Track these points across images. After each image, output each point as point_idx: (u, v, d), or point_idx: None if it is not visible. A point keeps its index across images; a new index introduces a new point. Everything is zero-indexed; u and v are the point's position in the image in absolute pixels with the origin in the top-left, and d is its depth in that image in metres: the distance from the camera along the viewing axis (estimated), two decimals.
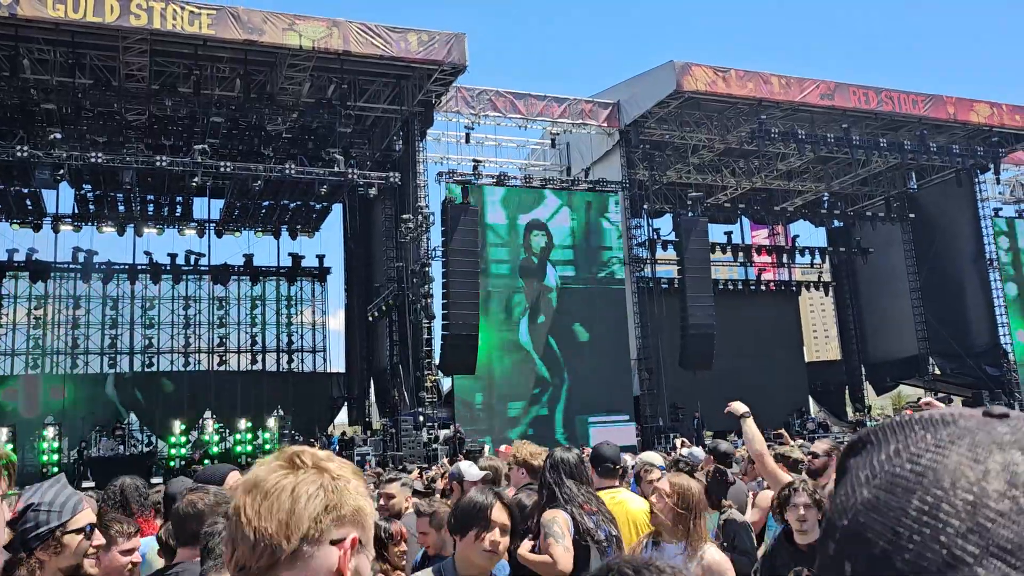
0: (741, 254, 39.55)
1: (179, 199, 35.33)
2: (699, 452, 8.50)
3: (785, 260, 41.35)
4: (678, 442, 10.51)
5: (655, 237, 34.42)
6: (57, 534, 2.69)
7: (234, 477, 4.12)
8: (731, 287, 40.28)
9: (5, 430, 26.43)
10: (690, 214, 31.78)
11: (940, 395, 37.91)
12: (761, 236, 45.05)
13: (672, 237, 33.54)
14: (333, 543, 1.39)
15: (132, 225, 34.56)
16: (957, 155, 33.87)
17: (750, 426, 5.41)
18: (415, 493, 7.42)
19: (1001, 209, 38.93)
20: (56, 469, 26.28)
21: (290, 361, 38.82)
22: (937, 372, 38.40)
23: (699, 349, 30.07)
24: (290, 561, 1.36)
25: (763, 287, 41.81)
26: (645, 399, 30.79)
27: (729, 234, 38.87)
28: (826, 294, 44.70)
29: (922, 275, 38.33)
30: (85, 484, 20.67)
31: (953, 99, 33.71)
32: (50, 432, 27.29)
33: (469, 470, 6.61)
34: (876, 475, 0.62)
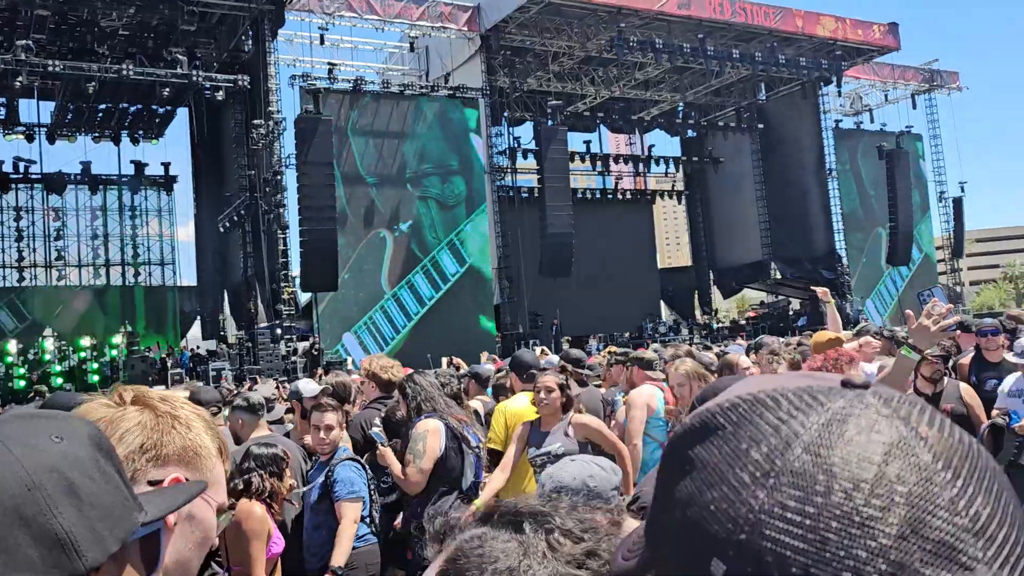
0: (599, 163, 40.12)
1: (2, 101, 32.34)
2: (556, 359, 8.66)
3: (641, 169, 42.27)
4: (537, 350, 10.70)
5: (515, 146, 34.34)
6: None
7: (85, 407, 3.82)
8: (589, 196, 40.94)
9: None
10: (550, 122, 31.79)
11: (780, 297, 40.33)
12: (619, 145, 45.72)
13: (532, 146, 33.52)
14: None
15: None
16: (803, 67, 35.16)
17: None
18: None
19: (841, 121, 40.99)
20: None
21: (136, 275, 36.94)
22: (778, 276, 40.63)
23: (558, 257, 30.55)
24: None
25: (620, 196, 42.69)
26: (506, 307, 31.19)
27: (588, 143, 39.30)
28: (679, 202, 46.09)
29: (768, 184, 40.13)
30: None
31: (802, 12, 34.78)
32: None
33: (306, 387, 6.57)
34: (770, 473, 0.52)
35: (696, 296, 45.08)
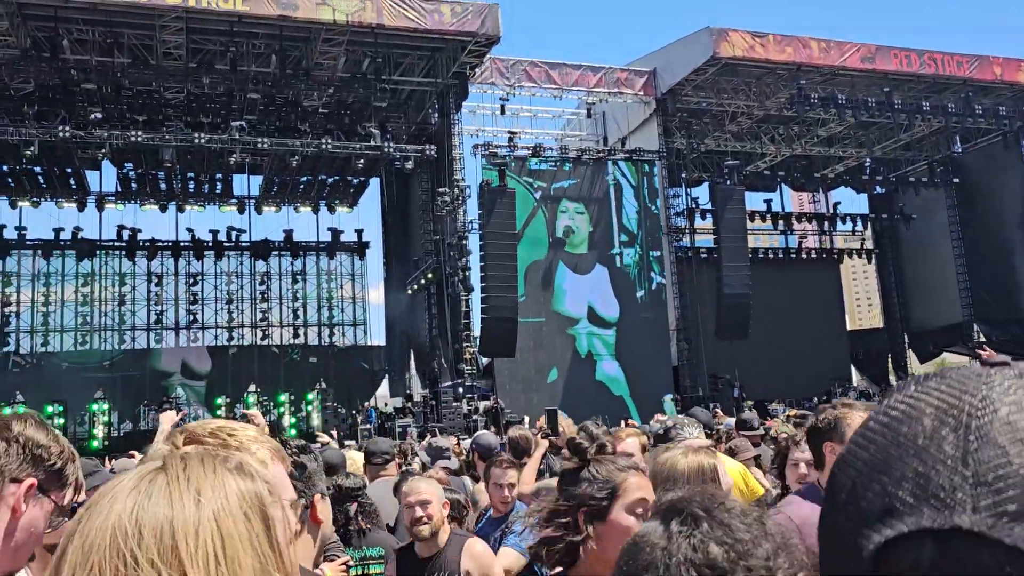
0: (781, 222, 39.04)
1: (219, 176, 35.78)
2: (732, 422, 8.56)
3: (826, 227, 40.78)
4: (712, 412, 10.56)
5: (693, 206, 34.14)
6: None
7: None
8: (771, 255, 39.82)
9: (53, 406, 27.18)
10: (727, 182, 31.45)
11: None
12: (802, 203, 44.36)
13: (709, 206, 33.22)
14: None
15: (174, 202, 35.18)
16: (1004, 117, 32.97)
17: None
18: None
19: None
20: (106, 443, 27.01)
21: (331, 335, 39.34)
22: (982, 339, 37.65)
23: (734, 318, 29.88)
24: None
25: (804, 255, 41.26)
26: (684, 369, 30.72)
27: (769, 202, 38.36)
28: (868, 261, 44.05)
29: (966, 241, 37.61)
30: (138, 456, 21.19)
31: (1000, 59, 32.82)
32: (101, 407, 28.05)
33: (487, 438, 6.91)
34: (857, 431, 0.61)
35: (890, 360, 42.56)
